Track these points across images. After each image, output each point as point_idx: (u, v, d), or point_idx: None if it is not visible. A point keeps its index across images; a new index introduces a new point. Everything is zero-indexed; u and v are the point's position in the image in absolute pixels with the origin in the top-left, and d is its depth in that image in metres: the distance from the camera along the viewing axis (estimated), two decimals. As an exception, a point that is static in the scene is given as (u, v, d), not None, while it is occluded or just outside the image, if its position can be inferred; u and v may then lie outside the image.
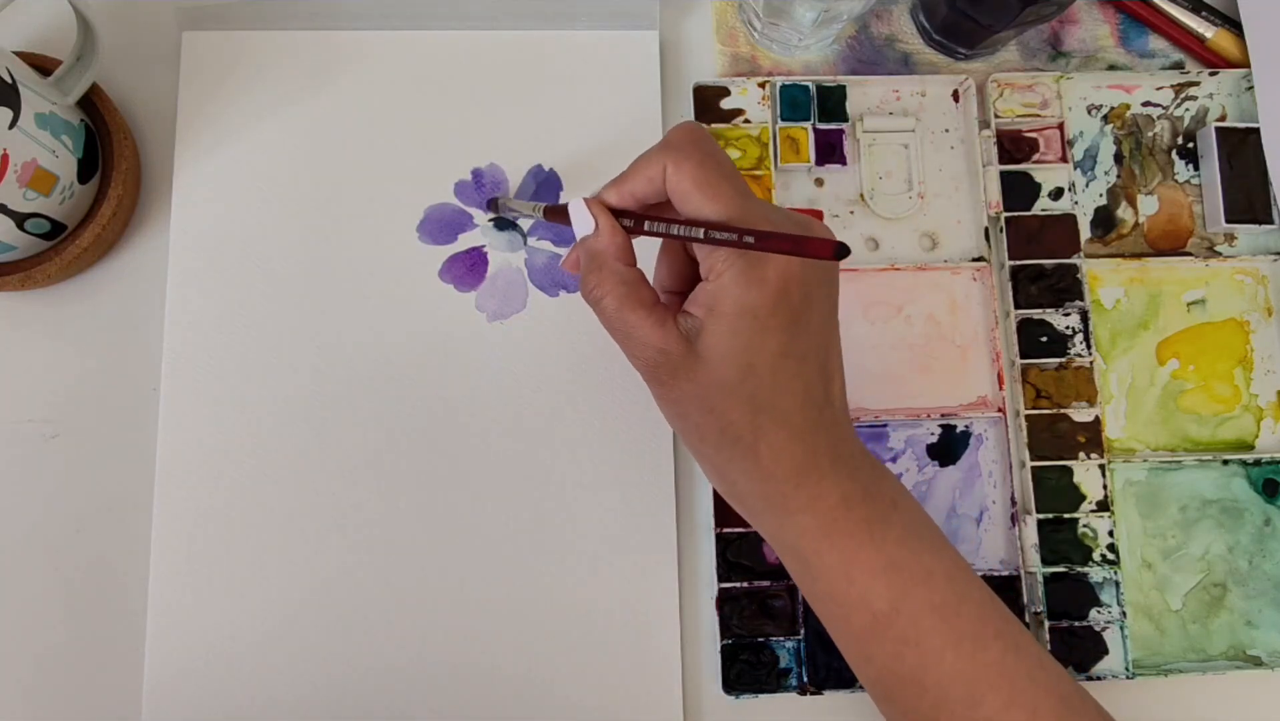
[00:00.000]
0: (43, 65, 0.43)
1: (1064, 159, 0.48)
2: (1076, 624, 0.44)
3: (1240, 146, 0.48)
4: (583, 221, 0.35)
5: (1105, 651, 0.44)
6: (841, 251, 0.28)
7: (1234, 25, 0.51)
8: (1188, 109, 0.50)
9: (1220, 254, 0.49)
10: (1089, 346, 0.46)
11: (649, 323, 0.33)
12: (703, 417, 0.33)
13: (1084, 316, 0.47)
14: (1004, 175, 0.48)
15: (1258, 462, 0.46)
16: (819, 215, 0.47)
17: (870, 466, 0.36)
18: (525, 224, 0.47)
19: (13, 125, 0.38)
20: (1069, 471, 0.45)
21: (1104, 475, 0.45)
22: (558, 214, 0.37)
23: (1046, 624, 0.44)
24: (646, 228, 0.34)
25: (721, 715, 0.43)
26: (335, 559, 0.43)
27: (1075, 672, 0.43)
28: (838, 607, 0.35)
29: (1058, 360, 0.46)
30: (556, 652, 0.43)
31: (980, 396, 0.47)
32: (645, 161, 0.34)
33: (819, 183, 0.48)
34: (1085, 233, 0.48)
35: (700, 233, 0.31)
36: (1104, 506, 0.45)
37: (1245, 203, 0.48)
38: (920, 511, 0.36)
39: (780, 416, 0.33)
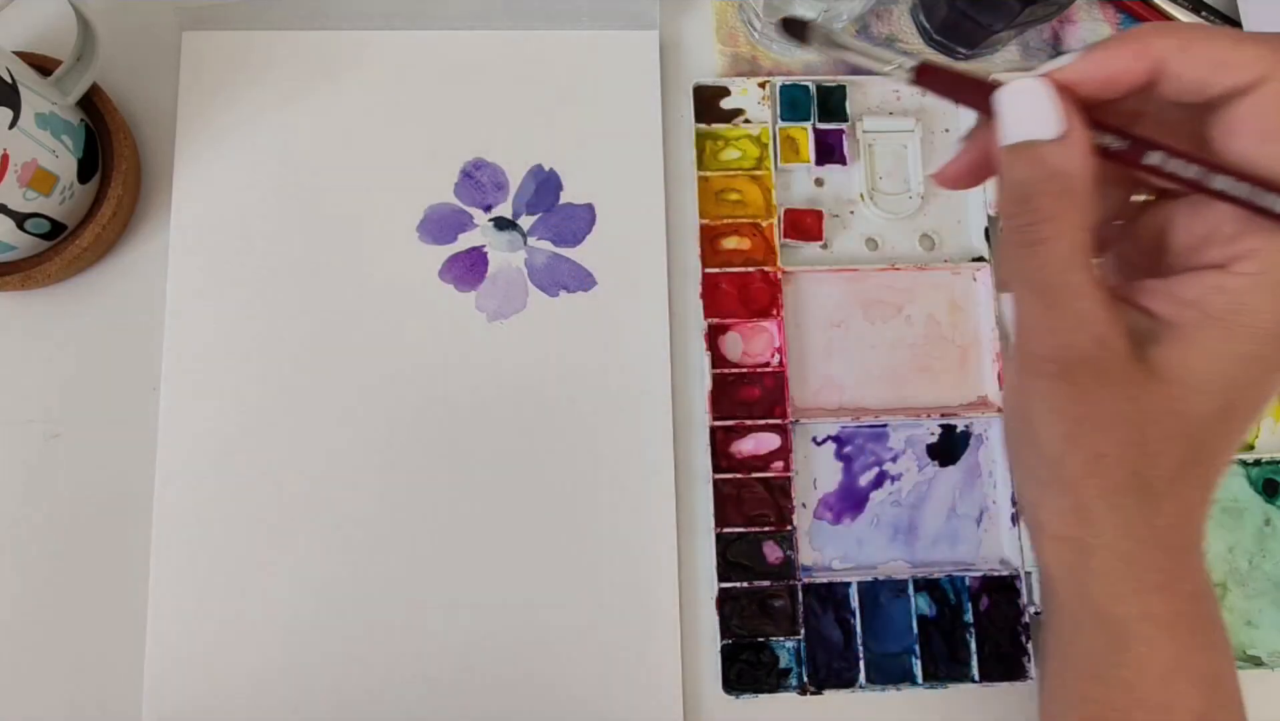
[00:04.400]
0: (43, 65, 0.43)
1: (1064, 159, 0.48)
2: (1076, 624, 0.44)
3: (1240, 146, 0.48)
4: (1037, 116, 0.23)
5: (1105, 651, 0.44)
6: None
7: (1234, 25, 0.50)
8: (1188, 109, 0.50)
9: (1220, 254, 0.49)
10: (1089, 346, 0.46)
11: (1098, 296, 0.23)
12: (1115, 448, 0.25)
13: (1084, 316, 0.46)
14: (1004, 175, 0.48)
15: (1258, 462, 0.46)
16: (819, 215, 0.47)
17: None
18: (525, 223, 0.47)
19: (13, 125, 0.38)
20: (1069, 471, 0.45)
21: (1104, 475, 0.45)
22: (949, 87, 0.25)
23: (1046, 624, 0.44)
24: (1148, 160, 0.22)
25: (721, 715, 0.43)
26: (335, 558, 0.43)
27: (1075, 672, 0.43)
28: (1125, 700, 0.28)
29: (1058, 360, 0.46)
30: (556, 652, 0.43)
31: (980, 396, 0.47)
32: (1123, 40, 0.23)
33: (819, 183, 0.48)
34: (1085, 233, 0.48)
35: (1244, 189, 0.21)
36: (1104, 506, 0.45)
37: (1245, 202, 0.48)
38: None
39: (1207, 475, 0.26)
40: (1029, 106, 0.23)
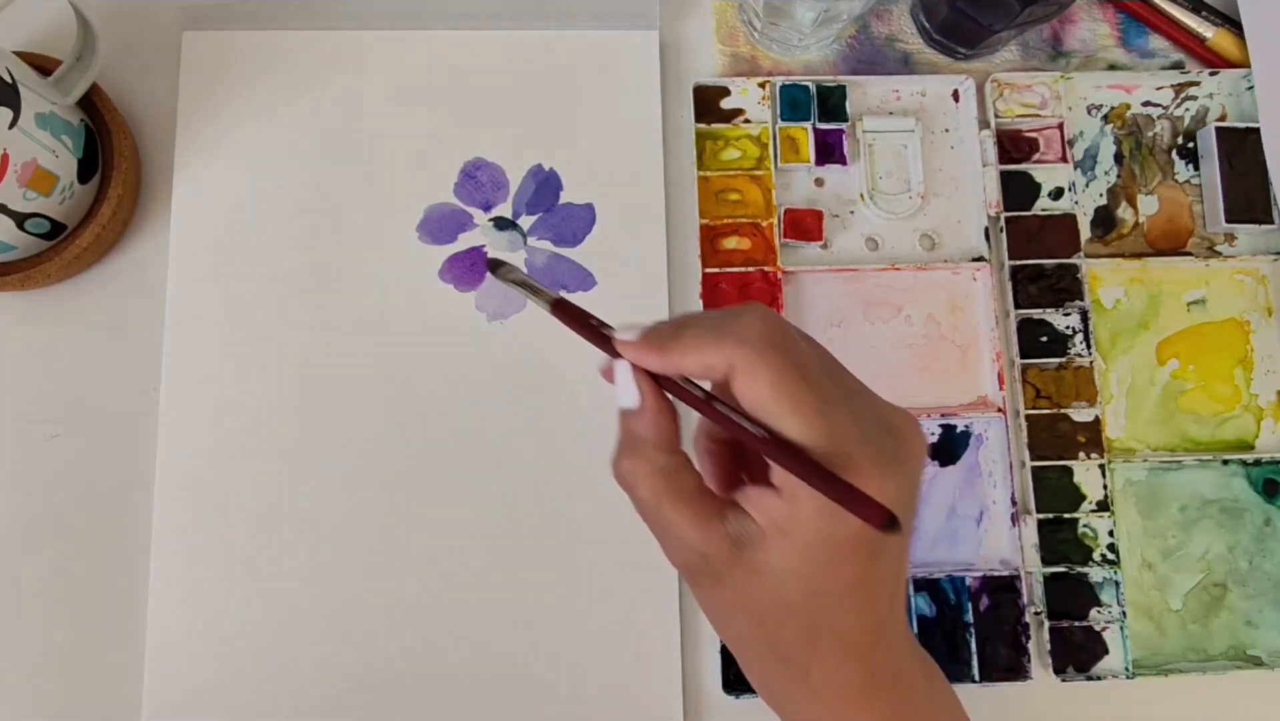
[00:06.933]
0: (43, 65, 0.43)
1: (1064, 159, 0.48)
2: (1076, 624, 0.44)
3: (1240, 146, 0.48)
4: (626, 390, 0.31)
5: (1105, 651, 0.44)
6: (891, 525, 0.25)
7: (1234, 25, 0.51)
8: (1188, 109, 0.50)
9: (1220, 254, 0.49)
10: (1089, 346, 0.46)
11: (689, 520, 0.29)
12: (749, 630, 0.30)
13: (1084, 316, 0.47)
14: (1004, 175, 0.48)
15: (1258, 462, 0.46)
16: (819, 215, 0.47)
17: (925, 676, 0.33)
18: (525, 223, 0.47)
19: (13, 125, 0.38)
20: (1069, 471, 0.45)
21: (1104, 475, 0.45)
22: (572, 320, 0.32)
23: (1046, 624, 0.44)
24: (706, 409, 0.29)
25: (721, 715, 0.43)
26: (335, 558, 0.43)
27: (1075, 672, 0.43)
28: None
29: (1058, 360, 0.46)
30: (557, 652, 0.43)
31: (980, 396, 0.47)
32: (706, 346, 0.28)
33: (819, 183, 0.48)
34: (1085, 232, 0.48)
35: (769, 446, 0.27)
36: (1104, 506, 0.45)
37: (1245, 203, 0.48)
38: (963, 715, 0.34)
39: (841, 639, 0.29)
40: (624, 383, 0.31)
